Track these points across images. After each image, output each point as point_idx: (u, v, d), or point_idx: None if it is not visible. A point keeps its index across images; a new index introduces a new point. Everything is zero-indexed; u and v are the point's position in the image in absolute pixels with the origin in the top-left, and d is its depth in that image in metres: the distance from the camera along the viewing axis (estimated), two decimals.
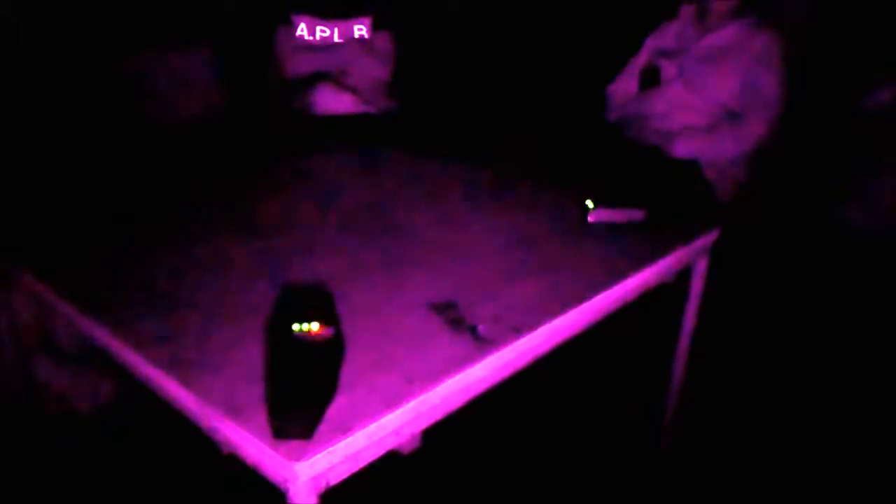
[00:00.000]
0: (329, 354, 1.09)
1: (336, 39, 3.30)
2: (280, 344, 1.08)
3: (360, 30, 3.31)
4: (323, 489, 0.99)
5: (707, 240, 1.80)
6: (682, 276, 1.84)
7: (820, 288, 2.57)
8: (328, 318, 1.13)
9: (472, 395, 1.22)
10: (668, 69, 2.71)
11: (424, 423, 1.15)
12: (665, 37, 2.80)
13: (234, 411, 1.02)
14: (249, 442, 0.98)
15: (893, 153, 2.48)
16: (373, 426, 1.01)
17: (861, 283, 2.47)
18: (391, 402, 1.05)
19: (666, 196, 1.95)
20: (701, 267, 1.85)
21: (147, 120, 3.12)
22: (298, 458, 0.93)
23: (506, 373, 1.28)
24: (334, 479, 1.01)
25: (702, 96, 2.58)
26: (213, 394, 1.06)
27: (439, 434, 1.44)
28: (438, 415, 1.16)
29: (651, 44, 2.85)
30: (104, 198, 1.94)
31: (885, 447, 2.14)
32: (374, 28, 3.33)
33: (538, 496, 1.99)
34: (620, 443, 2.19)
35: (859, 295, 2.47)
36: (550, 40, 3.73)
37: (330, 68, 3.27)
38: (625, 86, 2.88)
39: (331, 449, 0.96)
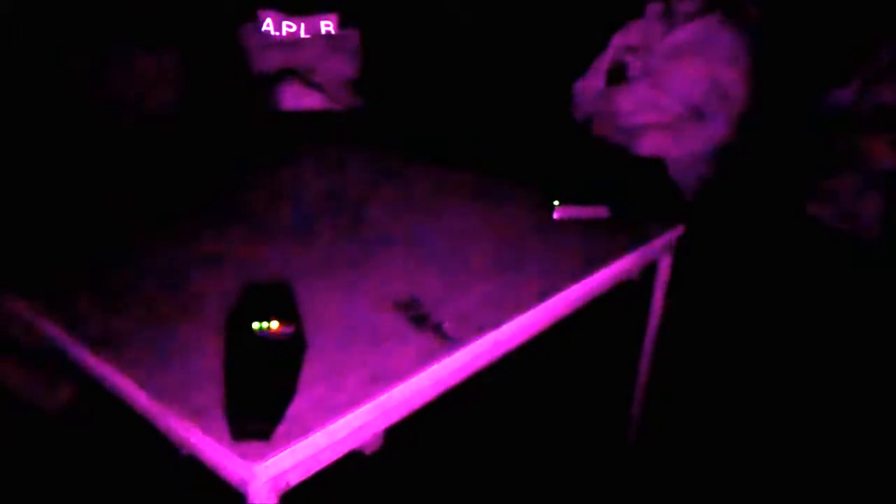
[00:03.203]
0: (289, 353, 1.08)
1: (302, 35, 3.27)
2: (239, 342, 1.06)
3: (326, 26, 3.28)
4: (283, 490, 0.97)
5: (671, 236, 1.81)
6: (648, 273, 1.85)
7: (786, 283, 2.60)
8: (289, 315, 1.12)
9: (436, 394, 1.21)
10: (634, 66, 2.72)
11: (386, 423, 1.13)
12: (631, 35, 2.82)
13: (192, 412, 1.00)
14: (207, 443, 0.96)
15: (855, 150, 2.51)
16: (334, 426, 1.00)
17: (828, 279, 2.50)
18: (352, 402, 1.04)
19: (631, 193, 1.95)
20: (665, 263, 1.86)
21: (108, 118, 3.07)
22: (257, 460, 0.91)
23: (470, 371, 1.27)
24: (294, 480, 0.99)
25: (667, 93, 2.60)
26: (170, 394, 1.04)
27: (402, 434, 1.43)
28: (401, 414, 1.15)
29: (618, 41, 2.86)
30: (61, 197, 1.90)
31: (851, 440, 2.17)
32: (342, 26, 3.31)
33: (502, 495, 1.98)
34: (587, 439, 2.20)
35: (825, 290, 2.50)
36: (518, 38, 3.73)
37: (296, 65, 3.25)
38: (592, 83, 2.89)
39: (291, 449, 0.94)
